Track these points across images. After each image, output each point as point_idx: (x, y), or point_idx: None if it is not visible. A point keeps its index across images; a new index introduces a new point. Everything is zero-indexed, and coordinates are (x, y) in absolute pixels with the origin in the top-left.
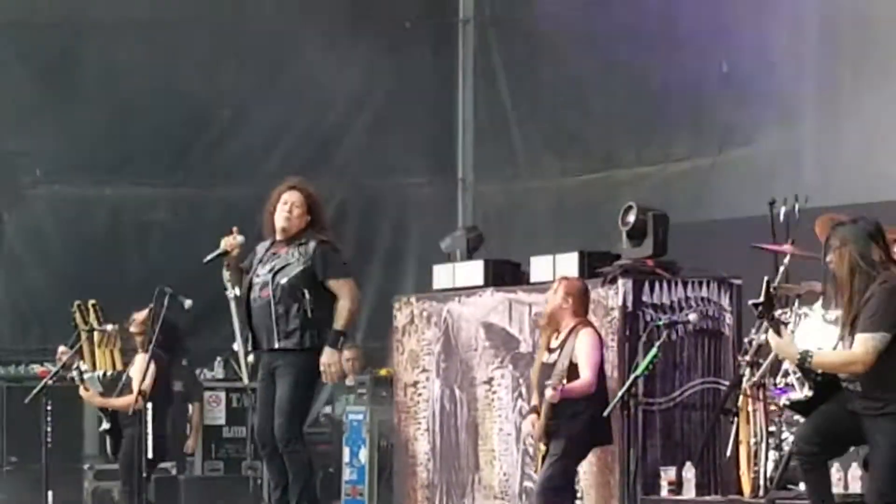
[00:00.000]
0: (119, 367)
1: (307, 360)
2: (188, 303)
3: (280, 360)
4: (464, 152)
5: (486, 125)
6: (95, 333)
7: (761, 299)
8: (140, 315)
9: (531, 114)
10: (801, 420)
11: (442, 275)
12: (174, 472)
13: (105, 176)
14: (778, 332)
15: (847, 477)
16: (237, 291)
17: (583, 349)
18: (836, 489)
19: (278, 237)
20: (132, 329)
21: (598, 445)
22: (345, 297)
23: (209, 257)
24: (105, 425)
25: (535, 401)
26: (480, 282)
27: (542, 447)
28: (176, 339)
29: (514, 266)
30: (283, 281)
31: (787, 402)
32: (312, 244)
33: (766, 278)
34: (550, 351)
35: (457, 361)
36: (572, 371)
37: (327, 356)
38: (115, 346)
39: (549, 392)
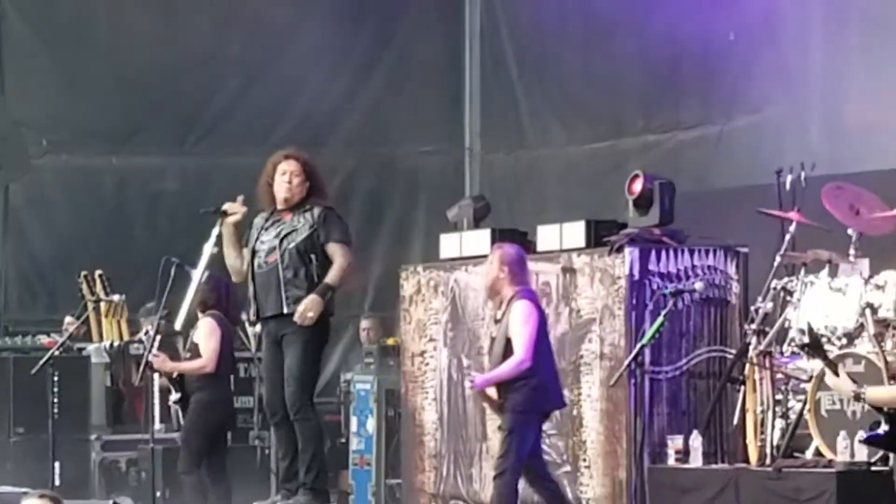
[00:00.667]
0: (126, 337)
1: (315, 329)
2: (196, 273)
3: (288, 327)
4: (471, 121)
5: (492, 94)
6: (102, 304)
7: (808, 341)
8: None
9: (538, 82)
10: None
11: (449, 244)
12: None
13: (112, 146)
14: (834, 372)
15: (853, 444)
16: (214, 250)
17: (514, 325)
18: (843, 457)
19: (280, 206)
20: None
21: (548, 412)
22: (338, 259)
23: (207, 209)
24: (174, 396)
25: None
26: (487, 251)
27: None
28: (233, 303)
29: (521, 235)
30: (291, 246)
31: (862, 439)
32: (317, 210)
33: (808, 323)
34: (497, 322)
35: (464, 331)
36: (509, 346)
37: (310, 300)
38: (123, 316)
39: (467, 384)
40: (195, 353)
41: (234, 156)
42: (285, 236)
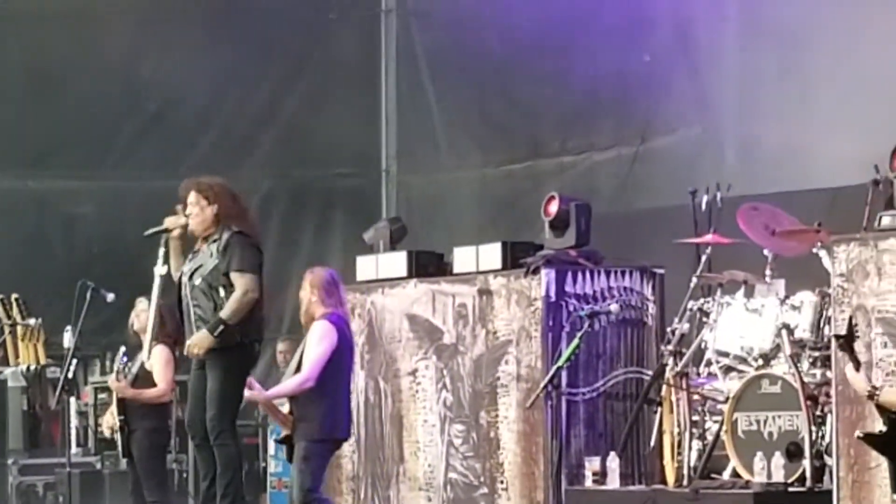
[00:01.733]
0: (42, 360)
1: (236, 354)
2: (111, 296)
3: (211, 352)
4: (387, 143)
5: (409, 116)
6: (18, 327)
7: (844, 332)
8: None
9: (455, 104)
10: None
11: (365, 266)
12: (98, 465)
13: (29, 168)
14: (856, 367)
15: (770, 466)
16: (163, 270)
17: (308, 344)
18: (760, 478)
19: (198, 239)
20: (136, 327)
21: (340, 441)
22: (237, 289)
23: (150, 231)
24: (117, 421)
25: None
26: (404, 273)
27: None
28: (177, 326)
29: (438, 257)
30: (198, 282)
31: (860, 436)
32: (225, 236)
33: (850, 315)
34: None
35: (381, 353)
36: (144, 374)
37: (196, 337)
38: (39, 340)
39: (247, 392)
40: (144, 379)
41: (150, 179)
42: (194, 272)
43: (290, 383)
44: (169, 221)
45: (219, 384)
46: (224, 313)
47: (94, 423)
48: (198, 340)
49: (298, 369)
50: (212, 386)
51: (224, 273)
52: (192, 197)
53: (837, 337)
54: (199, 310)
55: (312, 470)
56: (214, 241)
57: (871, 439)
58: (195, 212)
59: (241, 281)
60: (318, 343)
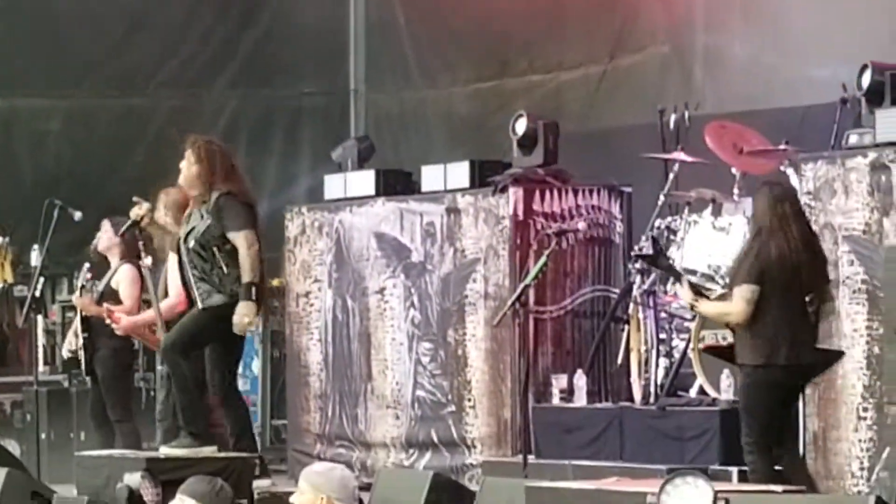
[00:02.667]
0: (10, 279)
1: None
2: (78, 215)
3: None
4: (356, 62)
5: (377, 35)
6: None
7: (650, 252)
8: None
9: (423, 21)
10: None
11: (333, 185)
12: (65, 384)
13: None
14: (677, 279)
15: (737, 383)
16: (149, 261)
17: (172, 268)
18: (726, 395)
19: (192, 200)
20: (101, 247)
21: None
22: (241, 248)
23: (122, 228)
24: (80, 339)
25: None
26: (372, 191)
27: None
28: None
29: (406, 176)
30: (192, 244)
31: (702, 349)
32: (214, 197)
33: (651, 235)
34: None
35: (349, 271)
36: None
37: (241, 309)
38: (6, 258)
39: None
40: (111, 298)
41: (118, 97)
42: (188, 235)
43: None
44: (133, 213)
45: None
46: (246, 276)
47: (62, 341)
48: (243, 312)
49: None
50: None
51: (218, 235)
52: (187, 152)
53: (641, 257)
54: (196, 271)
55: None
56: (204, 202)
57: (714, 350)
58: (184, 166)
59: (240, 239)
60: (133, 283)
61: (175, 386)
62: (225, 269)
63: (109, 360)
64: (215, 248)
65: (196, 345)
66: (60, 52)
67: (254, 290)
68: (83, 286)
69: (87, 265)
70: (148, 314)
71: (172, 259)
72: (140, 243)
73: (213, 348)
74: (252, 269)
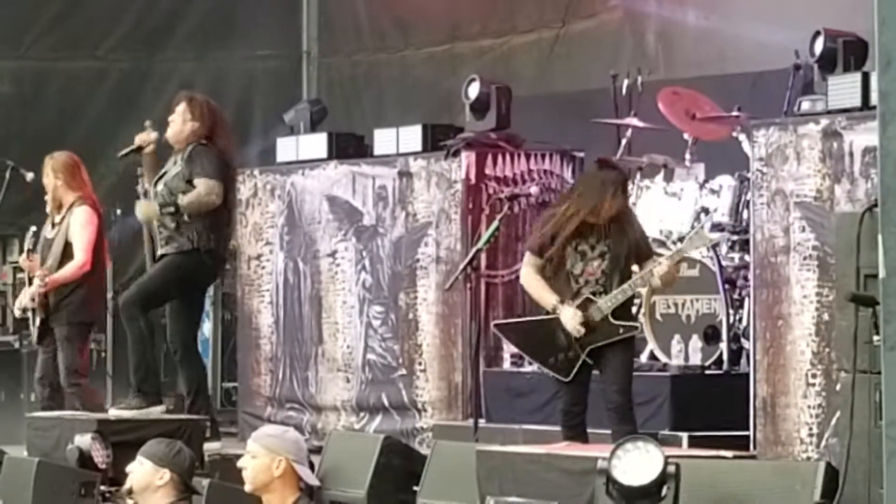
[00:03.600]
0: None
1: (186, 259)
2: (30, 175)
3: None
4: (308, 24)
5: None
6: None
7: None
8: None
9: None
10: None
11: (286, 148)
12: (16, 344)
13: None
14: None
15: (687, 349)
16: (146, 185)
17: (76, 229)
18: (677, 361)
19: (174, 147)
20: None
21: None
22: (200, 187)
23: (123, 152)
24: (28, 303)
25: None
26: (324, 155)
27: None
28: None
29: (358, 139)
30: (161, 187)
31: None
32: (190, 147)
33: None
34: (53, 226)
35: (300, 234)
36: (68, 250)
37: (143, 205)
38: None
39: (36, 282)
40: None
41: (69, 60)
42: (158, 179)
43: (68, 270)
44: (139, 139)
45: (155, 271)
46: (181, 199)
47: (13, 302)
48: (142, 207)
49: (67, 251)
50: (147, 274)
51: (186, 180)
52: (181, 107)
53: None
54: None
55: (76, 351)
56: (182, 151)
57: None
58: (177, 121)
59: (203, 183)
60: (84, 227)
61: (131, 342)
62: (185, 216)
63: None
64: (181, 194)
65: (156, 299)
66: (9, 13)
67: (171, 209)
68: (28, 249)
69: (33, 228)
70: (68, 269)
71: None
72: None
73: (173, 304)
74: (190, 203)
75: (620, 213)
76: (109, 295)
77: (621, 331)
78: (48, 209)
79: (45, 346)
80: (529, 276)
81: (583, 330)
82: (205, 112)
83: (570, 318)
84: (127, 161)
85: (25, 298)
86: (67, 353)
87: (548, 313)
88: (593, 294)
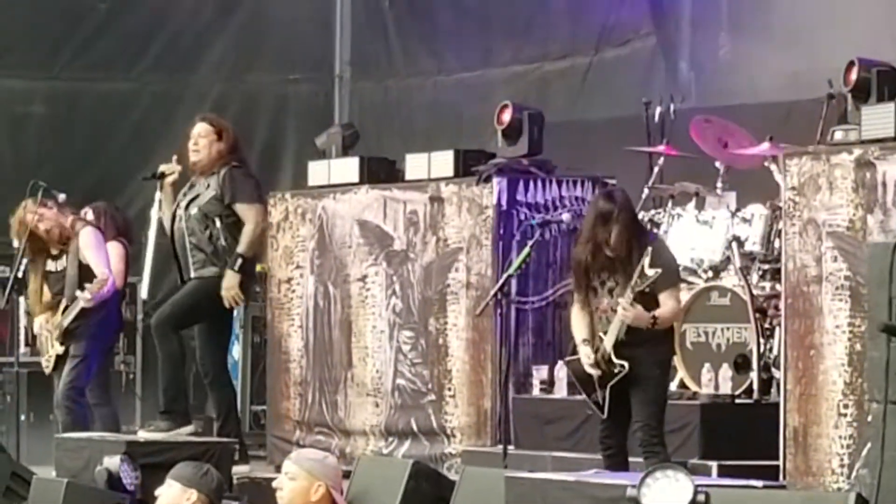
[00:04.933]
0: None
1: (219, 284)
2: (62, 197)
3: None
4: (341, 49)
5: (363, 21)
6: None
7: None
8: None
9: (408, 10)
10: None
11: (317, 171)
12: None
13: None
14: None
15: (718, 378)
16: (161, 213)
17: (89, 250)
18: (707, 389)
19: (195, 172)
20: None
21: (109, 340)
22: (248, 221)
23: (146, 175)
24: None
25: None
26: (355, 179)
27: (60, 347)
28: (130, 230)
29: (390, 163)
30: (194, 211)
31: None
32: (224, 170)
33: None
34: (53, 258)
35: (331, 258)
36: (83, 273)
37: (227, 279)
38: None
39: (85, 297)
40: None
41: (102, 80)
42: (190, 202)
43: (107, 289)
44: (165, 167)
45: (185, 293)
46: (241, 248)
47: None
48: (228, 285)
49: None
50: (179, 293)
51: (225, 203)
52: (202, 129)
53: None
54: (193, 238)
55: (88, 367)
56: (213, 173)
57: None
58: (202, 144)
59: (250, 213)
60: (98, 248)
61: (161, 362)
62: (223, 241)
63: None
64: (217, 219)
65: (189, 318)
66: (42, 34)
67: (240, 261)
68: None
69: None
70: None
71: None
72: (158, 195)
73: (203, 326)
74: (251, 245)
75: (622, 244)
76: (140, 316)
77: (616, 370)
78: (22, 249)
79: (59, 374)
80: (572, 313)
81: (595, 371)
82: (229, 132)
83: (584, 359)
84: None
85: (52, 327)
86: (79, 370)
87: None
88: (605, 332)
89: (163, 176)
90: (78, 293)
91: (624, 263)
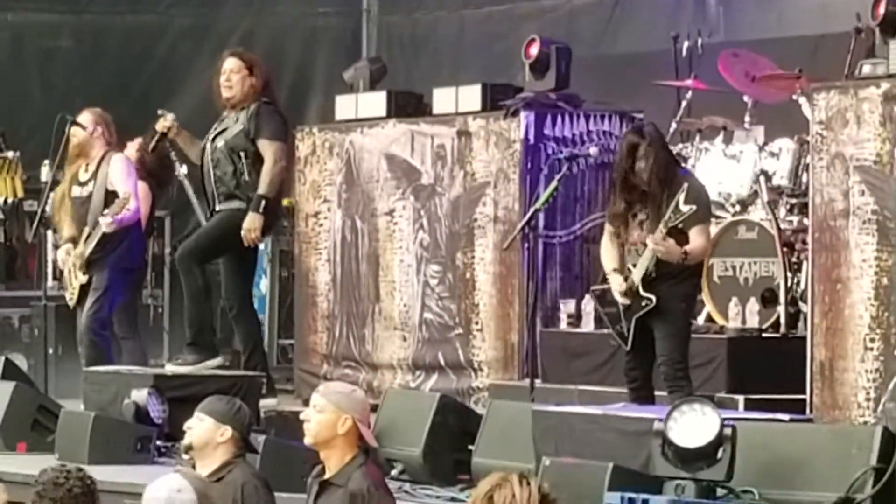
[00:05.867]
0: (20, 193)
1: (243, 217)
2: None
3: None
4: None
5: None
6: None
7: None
8: (133, 145)
9: None
10: None
11: (345, 105)
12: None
13: (7, 1)
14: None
15: (745, 311)
16: (184, 170)
17: (119, 176)
18: (734, 323)
19: (226, 106)
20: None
21: (134, 271)
22: (267, 159)
23: (151, 144)
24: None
25: (68, 231)
26: (383, 113)
27: (84, 277)
28: (168, 169)
29: (417, 98)
30: (220, 144)
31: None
32: (254, 105)
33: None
34: (81, 183)
35: (358, 192)
36: (109, 199)
37: (248, 220)
38: (17, 173)
39: (105, 220)
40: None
41: (129, 14)
42: (217, 135)
43: (130, 215)
44: (159, 126)
45: (212, 226)
46: (262, 189)
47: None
48: (249, 225)
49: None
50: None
51: (250, 138)
52: (234, 65)
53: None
54: (217, 171)
55: (110, 299)
56: (244, 108)
57: None
58: (235, 80)
59: (270, 150)
60: (129, 175)
61: (186, 295)
62: (247, 176)
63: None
64: (242, 153)
65: (213, 252)
66: None
67: (263, 202)
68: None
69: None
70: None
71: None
72: (172, 153)
73: (227, 259)
74: (271, 183)
75: (654, 176)
76: (167, 250)
77: (643, 304)
78: (63, 169)
79: (83, 307)
80: (602, 242)
81: (625, 300)
82: (260, 67)
83: (615, 287)
84: (192, 110)
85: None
86: (101, 302)
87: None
88: (634, 264)
89: (164, 136)
90: (100, 218)
91: (655, 197)
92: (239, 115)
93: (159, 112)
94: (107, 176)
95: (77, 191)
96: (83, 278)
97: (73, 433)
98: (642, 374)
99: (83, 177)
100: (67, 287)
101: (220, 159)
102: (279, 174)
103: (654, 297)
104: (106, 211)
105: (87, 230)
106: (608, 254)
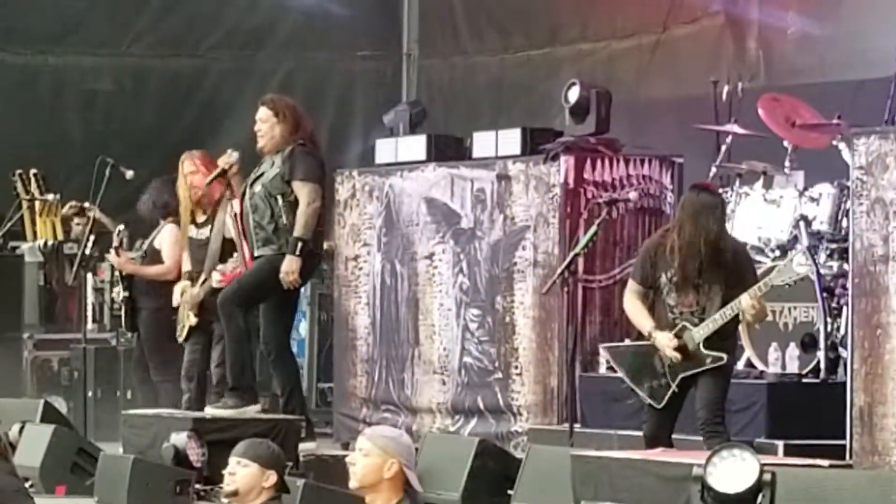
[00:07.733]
0: (60, 236)
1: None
2: (130, 173)
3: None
4: (409, 26)
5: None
6: (36, 203)
7: None
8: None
9: None
10: None
11: (384, 149)
12: (113, 342)
13: (48, 44)
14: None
15: (784, 357)
16: (235, 208)
17: (166, 241)
18: (774, 369)
19: (264, 154)
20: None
21: None
22: (302, 201)
23: (209, 178)
24: (121, 293)
25: (186, 267)
26: (423, 156)
27: (194, 318)
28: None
29: (457, 141)
30: (258, 189)
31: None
32: (289, 148)
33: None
34: (198, 225)
35: (398, 236)
36: (226, 247)
37: (285, 264)
38: (56, 215)
39: (216, 277)
40: (153, 258)
41: (169, 57)
42: (255, 180)
43: (152, 269)
44: (222, 161)
45: (252, 272)
46: (297, 231)
47: (110, 299)
48: (287, 269)
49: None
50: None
51: (286, 181)
52: (263, 114)
53: None
54: (256, 215)
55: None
56: (279, 152)
57: None
58: (264, 129)
59: (304, 191)
60: (175, 244)
61: (228, 340)
62: (285, 219)
63: (149, 319)
64: (278, 196)
65: (254, 296)
66: (112, 11)
67: (300, 245)
68: (115, 246)
69: (121, 225)
70: (154, 268)
71: (169, 229)
72: (228, 190)
73: (268, 305)
74: (306, 225)
75: (718, 239)
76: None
77: (708, 361)
78: (182, 210)
79: (191, 344)
80: (630, 302)
81: (678, 355)
82: (286, 110)
83: (666, 342)
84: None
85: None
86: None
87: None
88: (688, 324)
89: (224, 172)
90: (213, 273)
91: (714, 258)
92: (275, 158)
93: (229, 150)
94: (223, 223)
95: (194, 231)
96: (194, 320)
97: (112, 476)
98: (667, 434)
99: (199, 218)
100: (179, 323)
101: (257, 204)
102: (314, 215)
103: (724, 355)
104: (220, 267)
105: (204, 275)
106: (642, 313)
